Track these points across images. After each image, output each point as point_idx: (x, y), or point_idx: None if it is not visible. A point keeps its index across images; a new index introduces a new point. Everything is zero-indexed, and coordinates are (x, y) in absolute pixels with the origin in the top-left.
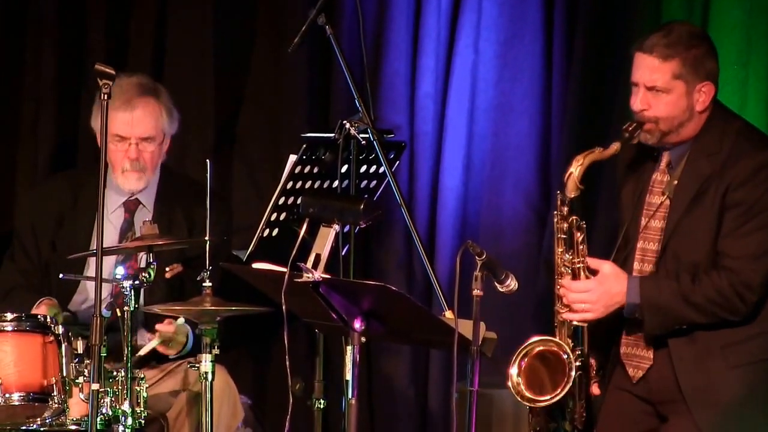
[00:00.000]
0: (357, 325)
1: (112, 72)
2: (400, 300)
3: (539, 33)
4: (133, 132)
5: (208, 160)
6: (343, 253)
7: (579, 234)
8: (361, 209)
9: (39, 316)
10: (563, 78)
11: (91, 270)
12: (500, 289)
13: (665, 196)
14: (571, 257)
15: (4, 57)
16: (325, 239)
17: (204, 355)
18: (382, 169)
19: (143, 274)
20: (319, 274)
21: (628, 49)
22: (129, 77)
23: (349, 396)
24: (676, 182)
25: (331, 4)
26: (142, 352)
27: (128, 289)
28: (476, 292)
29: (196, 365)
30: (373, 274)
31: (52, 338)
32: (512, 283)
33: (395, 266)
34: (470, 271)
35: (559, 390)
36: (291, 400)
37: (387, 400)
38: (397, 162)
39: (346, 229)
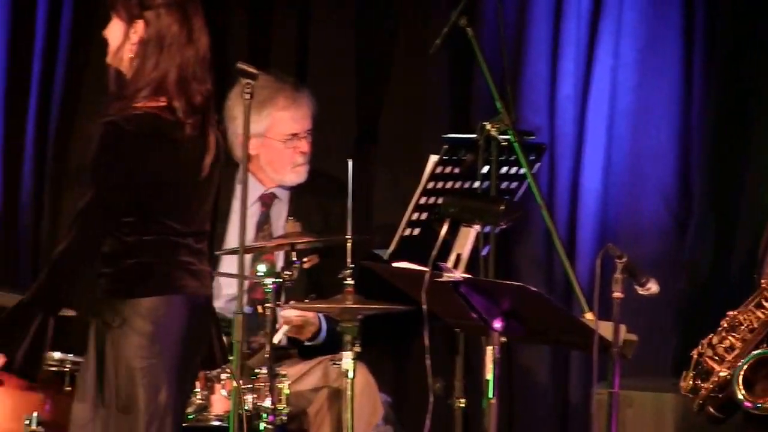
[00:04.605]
0: (497, 325)
1: (255, 71)
2: (539, 300)
3: (679, 39)
4: (303, 126)
5: (349, 160)
6: (483, 254)
7: None
8: (501, 210)
9: None
10: (703, 84)
11: (222, 265)
12: (640, 292)
13: None
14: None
15: None
16: (466, 239)
17: (345, 352)
18: (522, 170)
19: (286, 272)
20: (459, 274)
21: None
22: (273, 77)
23: (490, 396)
24: None
25: (472, 6)
26: (275, 340)
27: (270, 286)
28: (616, 294)
29: (338, 362)
30: (512, 274)
31: None
32: (653, 287)
33: (535, 267)
34: (610, 273)
35: None
36: (431, 400)
37: (527, 400)
38: (538, 163)
39: (487, 229)
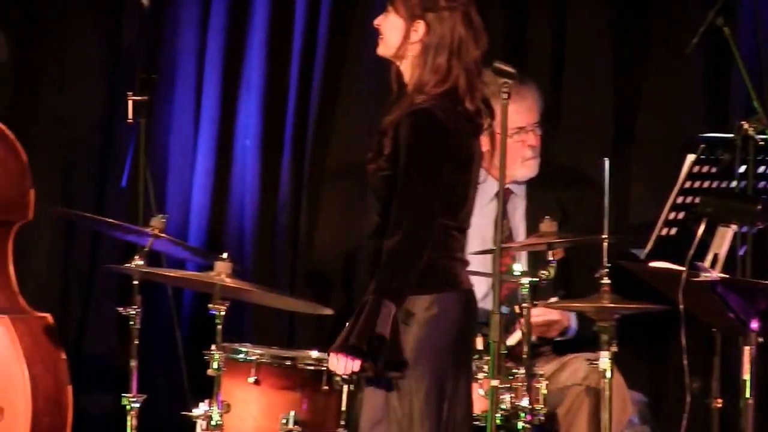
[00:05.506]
0: (754, 325)
1: (513, 71)
2: None
3: None
4: (529, 119)
5: (606, 159)
6: (740, 254)
7: None
8: (759, 210)
9: None
10: None
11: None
12: None
13: None
14: None
15: None
16: (723, 239)
17: (602, 352)
18: None
19: (542, 271)
20: (716, 274)
21: None
22: None
23: (747, 395)
24: None
25: (729, 6)
26: (509, 343)
27: (527, 285)
28: None
29: (594, 362)
30: None
31: None
32: None
33: None
34: None
35: None
36: (688, 399)
37: None
38: None
39: (744, 229)
